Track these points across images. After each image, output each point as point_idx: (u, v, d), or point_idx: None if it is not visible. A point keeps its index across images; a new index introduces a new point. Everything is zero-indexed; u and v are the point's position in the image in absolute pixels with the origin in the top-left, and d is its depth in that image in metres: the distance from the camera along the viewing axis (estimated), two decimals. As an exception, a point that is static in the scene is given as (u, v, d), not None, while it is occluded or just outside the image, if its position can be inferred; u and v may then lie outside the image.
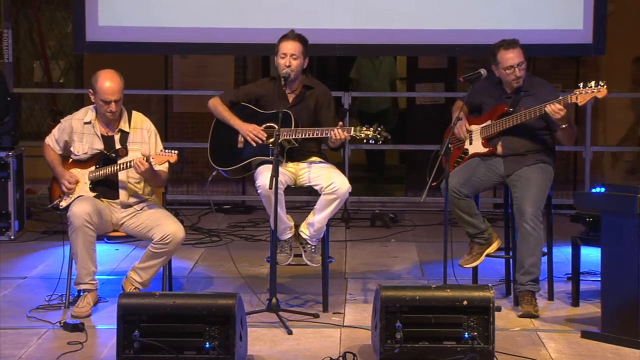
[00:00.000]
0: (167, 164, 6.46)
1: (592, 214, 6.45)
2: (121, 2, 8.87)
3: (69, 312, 6.36)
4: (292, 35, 6.62)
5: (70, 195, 6.48)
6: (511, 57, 6.50)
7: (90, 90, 6.47)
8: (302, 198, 8.47)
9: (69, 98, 10.90)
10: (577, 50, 9.09)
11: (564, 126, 6.40)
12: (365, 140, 6.36)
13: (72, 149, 6.54)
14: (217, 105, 6.73)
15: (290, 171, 6.55)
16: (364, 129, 6.35)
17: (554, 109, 6.30)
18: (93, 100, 6.48)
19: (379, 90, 11.60)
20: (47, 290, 6.75)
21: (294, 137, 6.45)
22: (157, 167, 6.40)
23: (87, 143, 6.51)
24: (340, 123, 6.41)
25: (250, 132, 6.57)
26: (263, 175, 6.30)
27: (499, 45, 6.56)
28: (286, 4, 8.81)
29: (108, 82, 6.40)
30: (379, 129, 6.33)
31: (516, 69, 6.51)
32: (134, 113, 6.60)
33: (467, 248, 6.72)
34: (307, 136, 6.45)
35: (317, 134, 6.45)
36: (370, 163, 12.31)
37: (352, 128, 6.36)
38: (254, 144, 6.55)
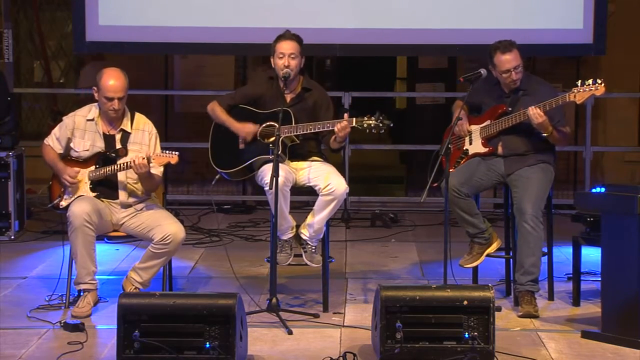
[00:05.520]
0: (162, 169, 6.47)
1: (592, 213, 6.46)
2: (121, 2, 8.87)
3: (69, 312, 6.36)
4: (289, 35, 6.62)
5: (71, 194, 6.48)
6: (508, 60, 6.48)
7: (95, 88, 6.48)
8: (302, 198, 8.45)
9: (69, 98, 10.89)
10: (577, 50, 9.09)
11: (544, 134, 6.41)
12: (368, 130, 6.35)
13: (72, 145, 6.54)
14: (214, 109, 6.74)
15: (293, 170, 6.55)
16: (366, 118, 6.35)
17: (534, 113, 6.31)
18: (97, 98, 6.49)
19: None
20: (47, 290, 6.75)
21: (295, 133, 6.45)
22: (152, 171, 6.39)
23: (88, 140, 6.51)
24: (346, 115, 6.40)
25: (241, 130, 6.57)
26: (269, 174, 6.28)
27: (495, 48, 6.53)
28: (286, 3, 8.82)
29: (112, 79, 6.41)
30: (381, 117, 6.33)
31: (512, 72, 6.50)
32: (137, 114, 6.61)
33: (467, 248, 6.72)
34: (309, 131, 6.45)
35: (319, 128, 6.45)
36: None
37: (354, 119, 6.36)
38: (247, 140, 6.55)
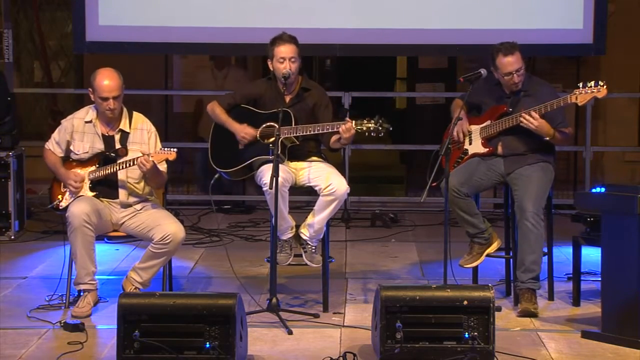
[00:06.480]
0: (165, 164, 6.46)
1: (592, 213, 6.46)
2: (121, 2, 8.87)
3: (69, 312, 6.36)
4: (287, 37, 6.60)
5: (72, 195, 6.47)
6: (510, 63, 6.47)
7: (90, 89, 6.48)
8: (302, 198, 8.46)
9: (69, 98, 10.90)
10: (577, 50, 9.09)
11: (547, 139, 6.42)
12: (367, 133, 6.35)
13: (71, 147, 6.54)
14: (214, 109, 6.73)
15: (292, 170, 6.55)
16: (365, 121, 6.34)
17: (527, 119, 6.32)
18: (93, 99, 6.48)
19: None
20: (47, 290, 6.75)
21: (295, 134, 6.45)
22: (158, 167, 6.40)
23: (87, 142, 6.51)
24: (348, 119, 6.38)
25: (239, 132, 6.57)
26: (268, 174, 6.28)
27: (497, 50, 6.52)
28: (286, 3, 8.81)
29: (106, 79, 6.40)
30: (380, 120, 6.32)
31: (514, 75, 6.49)
32: (135, 114, 6.60)
33: (467, 248, 6.72)
34: (309, 132, 6.45)
35: (319, 130, 6.45)
36: None
37: (353, 122, 6.35)
38: (245, 142, 6.55)
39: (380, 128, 6.31)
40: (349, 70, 13.58)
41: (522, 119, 6.37)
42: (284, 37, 6.60)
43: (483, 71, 6.47)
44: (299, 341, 5.90)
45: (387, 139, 11.61)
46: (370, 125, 6.32)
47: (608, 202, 5.94)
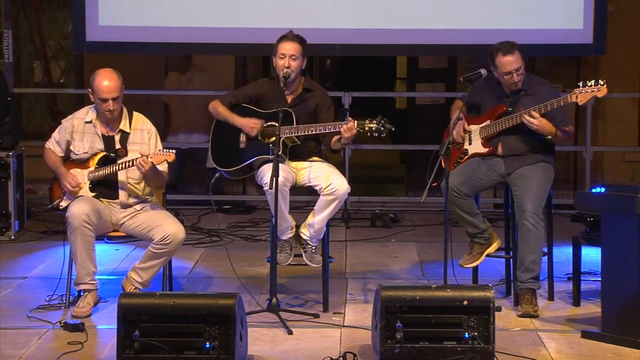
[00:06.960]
0: (166, 165, 6.46)
1: (592, 213, 6.46)
2: (121, 2, 8.87)
3: (69, 312, 6.36)
4: (291, 36, 6.62)
5: (71, 196, 6.48)
6: (509, 62, 6.48)
7: (90, 90, 6.48)
8: (302, 198, 8.46)
9: (69, 98, 10.90)
10: (577, 50, 9.10)
11: (549, 137, 6.42)
12: (369, 133, 6.35)
13: (71, 147, 6.54)
14: (217, 107, 6.73)
15: (293, 170, 6.55)
16: (367, 121, 6.34)
17: (528, 119, 6.32)
18: (92, 100, 6.48)
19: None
20: (47, 290, 6.75)
21: (296, 134, 6.45)
22: (158, 167, 6.40)
23: (87, 142, 6.51)
24: (350, 119, 6.38)
25: (247, 124, 6.57)
26: (269, 174, 6.27)
27: (497, 49, 6.53)
28: (286, 3, 8.82)
29: (106, 80, 6.40)
30: (382, 121, 6.32)
31: (514, 74, 6.50)
32: (135, 114, 6.60)
33: (467, 248, 6.72)
34: (310, 132, 6.45)
35: (320, 130, 6.44)
36: None
37: (356, 122, 6.34)
38: (252, 135, 6.54)
39: (382, 128, 6.31)
40: (349, 70, 13.60)
41: (522, 118, 6.38)
42: (288, 35, 6.61)
43: (483, 71, 6.47)
44: (299, 341, 5.90)
45: (387, 139, 11.61)
46: (372, 125, 6.32)
47: (608, 202, 5.94)
